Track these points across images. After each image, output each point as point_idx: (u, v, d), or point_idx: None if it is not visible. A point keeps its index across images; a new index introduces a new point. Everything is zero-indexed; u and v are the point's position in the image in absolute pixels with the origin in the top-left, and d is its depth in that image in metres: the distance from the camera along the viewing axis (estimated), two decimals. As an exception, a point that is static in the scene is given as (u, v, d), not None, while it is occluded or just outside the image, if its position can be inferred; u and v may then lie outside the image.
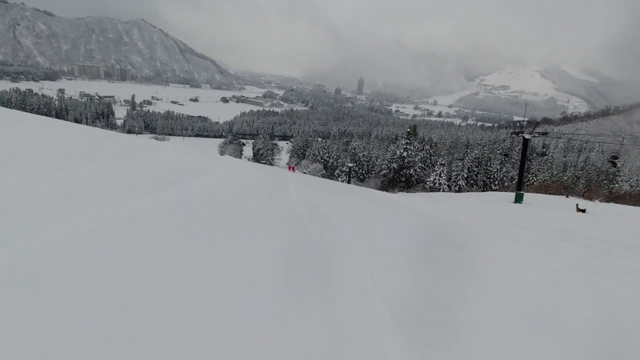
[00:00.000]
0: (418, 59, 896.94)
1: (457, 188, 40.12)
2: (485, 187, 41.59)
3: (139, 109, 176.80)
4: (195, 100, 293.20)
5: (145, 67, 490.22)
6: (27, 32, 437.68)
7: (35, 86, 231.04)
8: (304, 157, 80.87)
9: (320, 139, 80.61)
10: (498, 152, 43.03)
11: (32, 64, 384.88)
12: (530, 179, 39.45)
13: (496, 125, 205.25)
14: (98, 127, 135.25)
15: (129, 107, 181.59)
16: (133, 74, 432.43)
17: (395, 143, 64.99)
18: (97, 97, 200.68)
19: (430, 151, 45.43)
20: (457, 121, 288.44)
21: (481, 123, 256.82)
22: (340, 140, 75.12)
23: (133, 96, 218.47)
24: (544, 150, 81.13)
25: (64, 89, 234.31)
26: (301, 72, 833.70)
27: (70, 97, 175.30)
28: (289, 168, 20.00)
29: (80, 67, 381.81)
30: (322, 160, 72.01)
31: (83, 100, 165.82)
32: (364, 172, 56.87)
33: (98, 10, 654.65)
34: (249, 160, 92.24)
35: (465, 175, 39.95)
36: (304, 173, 52.31)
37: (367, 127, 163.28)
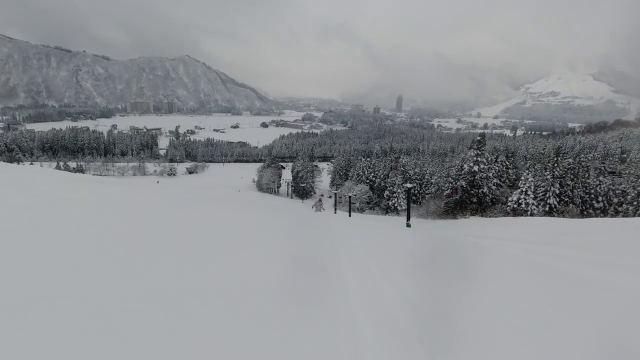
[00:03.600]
0: (458, 72, 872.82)
1: (546, 209, 31.41)
2: (585, 206, 32.45)
3: (182, 139, 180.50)
4: (236, 127, 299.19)
5: (190, 99, 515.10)
6: (87, 76, 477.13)
7: (92, 124, 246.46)
8: (347, 179, 74.27)
9: (362, 158, 74.09)
10: (596, 159, 33.96)
11: (92, 104, 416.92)
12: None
13: (550, 133, 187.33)
14: (142, 157, 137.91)
15: (172, 137, 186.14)
16: (179, 107, 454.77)
17: (451, 156, 56.70)
18: (145, 130, 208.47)
19: (507, 163, 37.12)
20: (506, 132, 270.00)
21: (533, 132, 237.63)
22: (386, 158, 67.99)
23: (177, 127, 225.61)
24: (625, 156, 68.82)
25: (116, 125, 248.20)
26: (339, 93, 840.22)
27: (120, 132, 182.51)
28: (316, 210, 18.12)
29: (132, 104, 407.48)
30: (368, 181, 64.92)
31: (129, 133, 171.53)
32: (421, 192, 49.21)
33: (148, 51, 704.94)
34: (287, 183, 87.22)
35: (557, 192, 31.21)
36: (351, 196, 45.57)
37: (411, 143, 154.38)
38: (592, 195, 32.47)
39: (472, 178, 31.99)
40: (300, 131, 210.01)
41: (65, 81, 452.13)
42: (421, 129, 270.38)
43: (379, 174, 62.95)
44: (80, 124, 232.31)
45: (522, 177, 29.44)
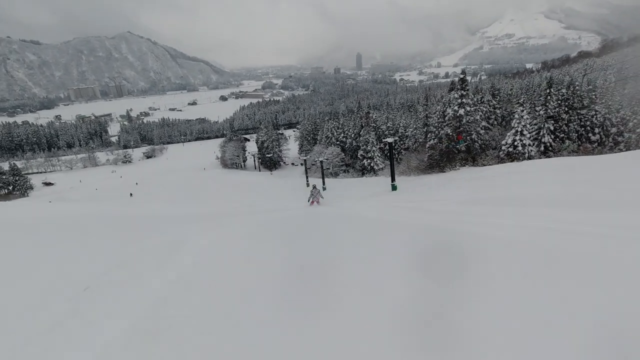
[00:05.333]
0: (414, 23, 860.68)
1: (541, 148, 27.90)
2: (581, 140, 29.18)
3: (135, 122, 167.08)
4: (194, 103, 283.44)
5: (140, 79, 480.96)
6: (18, 64, 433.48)
7: (32, 117, 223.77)
8: (316, 143, 69.27)
9: (330, 120, 68.86)
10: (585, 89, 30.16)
11: (29, 96, 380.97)
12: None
13: (515, 73, 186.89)
14: (92, 147, 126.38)
15: (124, 122, 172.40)
16: (129, 89, 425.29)
17: (424, 104, 52.66)
18: (93, 117, 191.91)
19: (494, 102, 33.04)
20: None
21: (494, 75, 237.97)
22: (355, 115, 62.96)
23: (128, 110, 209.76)
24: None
25: (60, 115, 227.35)
26: (297, 58, 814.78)
27: (63, 122, 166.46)
28: (312, 203, 15.54)
29: (76, 91, 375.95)
30: (338, 142, 60.22)
31: (75, 122, 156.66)
32: (397, 147, 45.12)
33: (82, 31, 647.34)
34: (253, 156, 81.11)
35: (551, 128, 27.60)
36: (323, 161, 40.73)
37: (377, 99, 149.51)
38: (588, 128, 29.20)
39: (458, 124, 27.76)
40: (261, 100, 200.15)
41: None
42: (384, 85, 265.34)
43: (349, 134, 58.26)
44: (19, 118, 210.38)
45: (516, 115, 25.44)
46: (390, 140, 23.55)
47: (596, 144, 28.96)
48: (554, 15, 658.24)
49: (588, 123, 29.06)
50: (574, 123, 28.61)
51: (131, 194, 46.08)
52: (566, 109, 28.31)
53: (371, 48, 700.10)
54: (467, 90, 27.65)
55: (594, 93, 30.79)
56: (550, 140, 27.75)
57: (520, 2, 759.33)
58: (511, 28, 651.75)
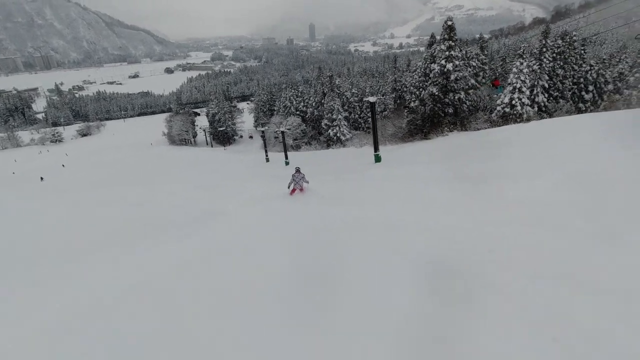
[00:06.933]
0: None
1: (535, 109, 24.57)
2: (574, 99, 26.22)
3: (66, 97, 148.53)
4: (135, 76, 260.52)
5: (71, 50, 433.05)
6: None
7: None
8: (273, 114, 63.28)
9: (287, 88, 62.83)
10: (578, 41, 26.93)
11: None
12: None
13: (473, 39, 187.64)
14: (13, 125, 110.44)
15: (54, 97, 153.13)
16: (59, 60, 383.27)
17: (392, 67, 48.45)
18: (15, 92, 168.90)
19: (483, 57, 29.05)
20: (421, 49, 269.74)
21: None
22: (317, 82, 57.38)
23: (57, 84, 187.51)
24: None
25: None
26: (248, 29, 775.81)
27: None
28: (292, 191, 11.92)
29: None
30: (298, 112, 54.80)
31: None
32: (363, 115, 40.75)
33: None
34: (204, 131, 73.46)
35: (545, 86, 24.21)
36: (283, 131, 35.32)
37: (333, 70, 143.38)
38: (582, 85, 26.22)
39: (446, 81, 23.54)
40: (210, 72, 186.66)
41: None
42: (339, 55, 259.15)
43: (311, 102, 52.94)
44: None
45: (514, 69, 21.56)
46: (372, 99, 18.86)
47: (589, 103, 26.15)
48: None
49: (582, 80, 26.02)
50: (569, 80, 25.41)
51: (42, 178, 38.30)
52: (561, 63, 24.97)
53: (325, 18, 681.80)
54: (456, 41, 23.32)
55: (583, 48, 27.76)
56: (545, 100, 24.43)
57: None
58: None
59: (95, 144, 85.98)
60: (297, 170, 12.06)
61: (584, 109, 25.85)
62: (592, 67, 25.64)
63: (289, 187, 11.98)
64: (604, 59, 26.19)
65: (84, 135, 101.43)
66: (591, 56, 27.49)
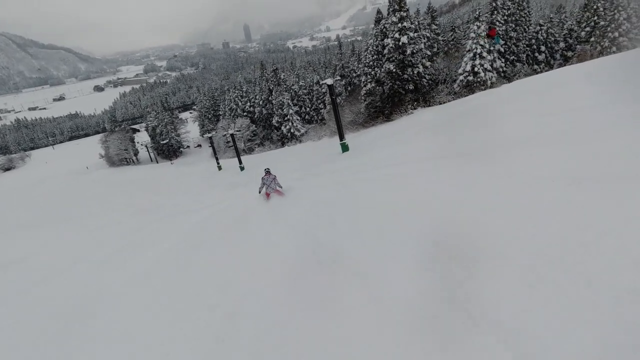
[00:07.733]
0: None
1: (491, 78, 23.57)
2: (529, 62, 25.65)
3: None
4: (61, 99, 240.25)
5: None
6: None
7: None
8: (218, 119, 59.46)
9: (230, 90, 59.12)
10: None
11: None
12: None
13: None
14: None
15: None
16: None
17: (339, 55, 46.89)
18: None
19: (435, 27, 27.65)
20: (358, 38, 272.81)
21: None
22: (261, 80, 54.17)
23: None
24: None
25: None
26: (180, 36, 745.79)
27: None
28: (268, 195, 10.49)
29: None
30: (245, 113, 51.57)
31: None
32: (315, 106, 38.52)
33: None
34: (146, 147, 67.78)
35: (502, 50, 23.26)
36: (233, 134, 32.16)
37: (277, 66, 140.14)
38: (534, 47, 25.66)
39: (402, 56, 21.75)
40: (145, 85, 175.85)
41: None
42: (279, 53, 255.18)
43: (257, 101, 49.88)
44: None
45: (472, 33, 20.20)
46: (329, 81, 16.56)
47: (543, 64, 25.63)
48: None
49: (534, 41, 25.41)
50: (522, 42, 24.66)
51: None
52: (513, 25, 24.12)
53: (259, 18, 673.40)
54: (407, 11, 21.58)
55: (528, 9, 27.28)
56: (502, 65, 23.46)
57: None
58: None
59: (24, 178, 76.74)
60: (267, 172, 10.30)
61: (538, 70, 25.30)
62: (541, 27, 25.12)
63: (260, 192, 10.47)
64: (551, 18, 25.80)
65: (7, 169, 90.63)
66: (538, 15, 27.03)
